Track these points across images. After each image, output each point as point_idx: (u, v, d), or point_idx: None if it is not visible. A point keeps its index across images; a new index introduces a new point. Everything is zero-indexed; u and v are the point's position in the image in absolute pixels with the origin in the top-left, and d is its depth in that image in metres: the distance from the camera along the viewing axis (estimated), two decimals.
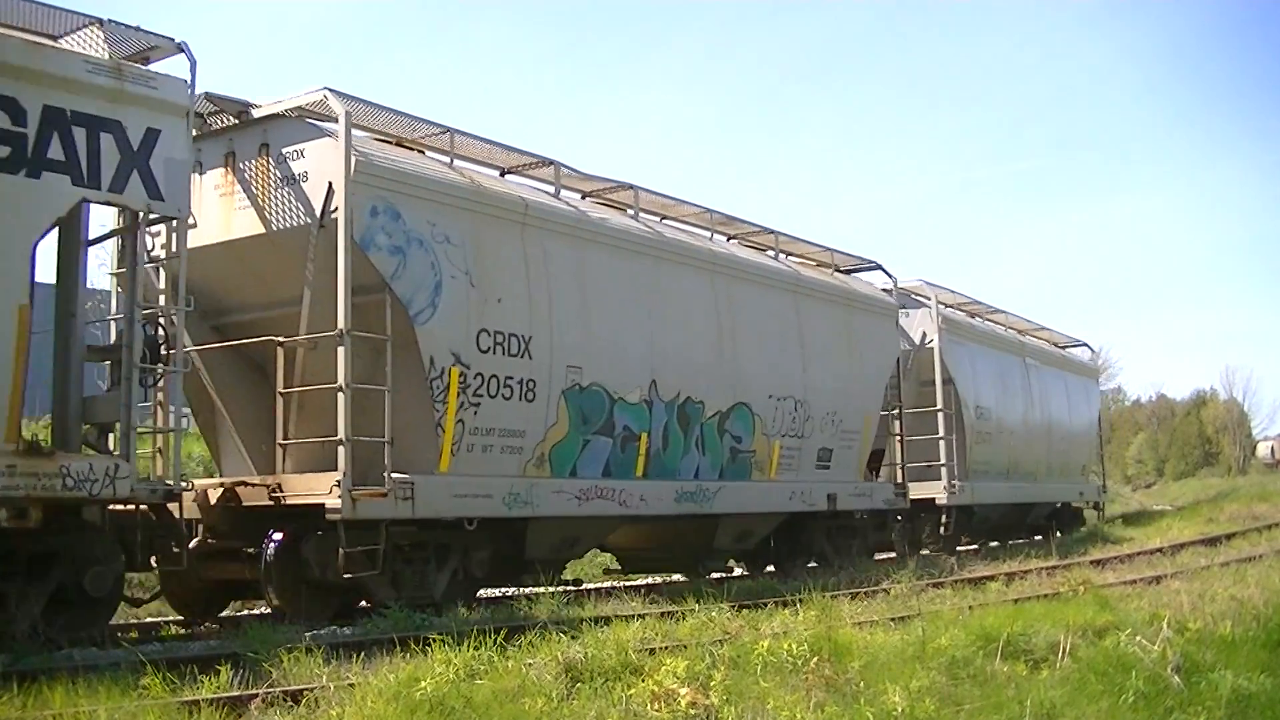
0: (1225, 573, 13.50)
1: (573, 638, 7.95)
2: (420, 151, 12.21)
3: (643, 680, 6.68)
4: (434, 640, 7.60)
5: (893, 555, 20.69)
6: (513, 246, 11.97)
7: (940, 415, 20.35)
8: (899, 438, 19.00)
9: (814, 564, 17.21)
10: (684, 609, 9.95)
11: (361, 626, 9.78)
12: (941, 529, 20.17)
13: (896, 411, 18.96)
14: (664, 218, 15.27)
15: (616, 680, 6.84)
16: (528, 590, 12.77)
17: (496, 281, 11.69)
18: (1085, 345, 30.25)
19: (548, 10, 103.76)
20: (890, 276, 19.30)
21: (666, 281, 13.94)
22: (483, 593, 13.13)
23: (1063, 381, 27.27)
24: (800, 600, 10.35)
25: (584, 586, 13.71)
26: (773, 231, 16.66)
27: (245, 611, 12.26)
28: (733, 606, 10.12)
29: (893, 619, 9.97)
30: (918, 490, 19.52)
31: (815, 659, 7.32)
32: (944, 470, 20.03)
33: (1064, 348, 29.08)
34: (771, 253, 16.76)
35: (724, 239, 16.28)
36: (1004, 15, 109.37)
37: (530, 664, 7.22)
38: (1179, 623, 9.01)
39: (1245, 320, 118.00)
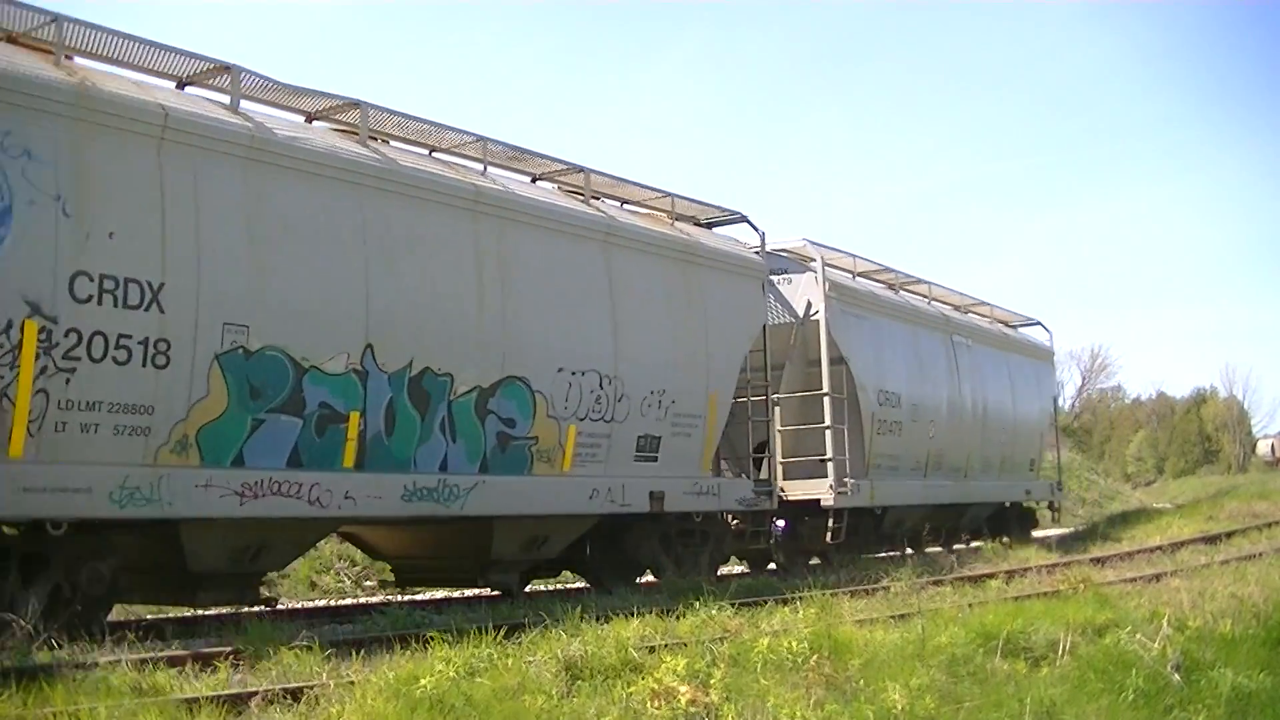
0: (1225, 570, 13.41)
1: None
2: (71, 58, 9.49)
3: (643, 678, 6.69)
4: (434, 638, 7.68)
5: (771, 567, 17.85)
6: (142, 167, 9.15)
7: (826, 400, 16.92)
8: (768, 425, 15.92)
9: (651, 578, 14.47)
10: (684, 607, 9.90)
11: (361, 624, 9.89)
12: (829, 535, 16.80)
13: (764, 396, 15.82)
14: (432, 150, 12.41)
15: (616, 678, 6.85)
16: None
17: (110, 211, 8.88)
18: (1039, 324, 26.58)
19: (547, 6, 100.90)
20: (757, 231, 16.13)
21: (399, 220, 10.99)
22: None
23: (1005, 364, 23.59)
24: (800, 598, 10.43)
25: (283, 606, 11.08)
26: (584, 169, 13.65)
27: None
28: (733, 604, 10.11)
29: (893, 617, 9.92)
30: (799, 489, 16.55)
31: (815, 657, 7.33)
32: (831, 466, 16.64)
33: (1014, 327, 25.54)
34: (603, 199, 13.91)
35: (527, 179, 13.48)
36: (1008, 10, 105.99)
37: (530, 661, 7.22)
38: (1179, 620, 8.97)
39: (1245, 317, 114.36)
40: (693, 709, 6.14)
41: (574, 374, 12.60)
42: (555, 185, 13.85)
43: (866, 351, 18.17)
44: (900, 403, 18.86)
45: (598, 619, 8.91)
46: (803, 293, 17.54)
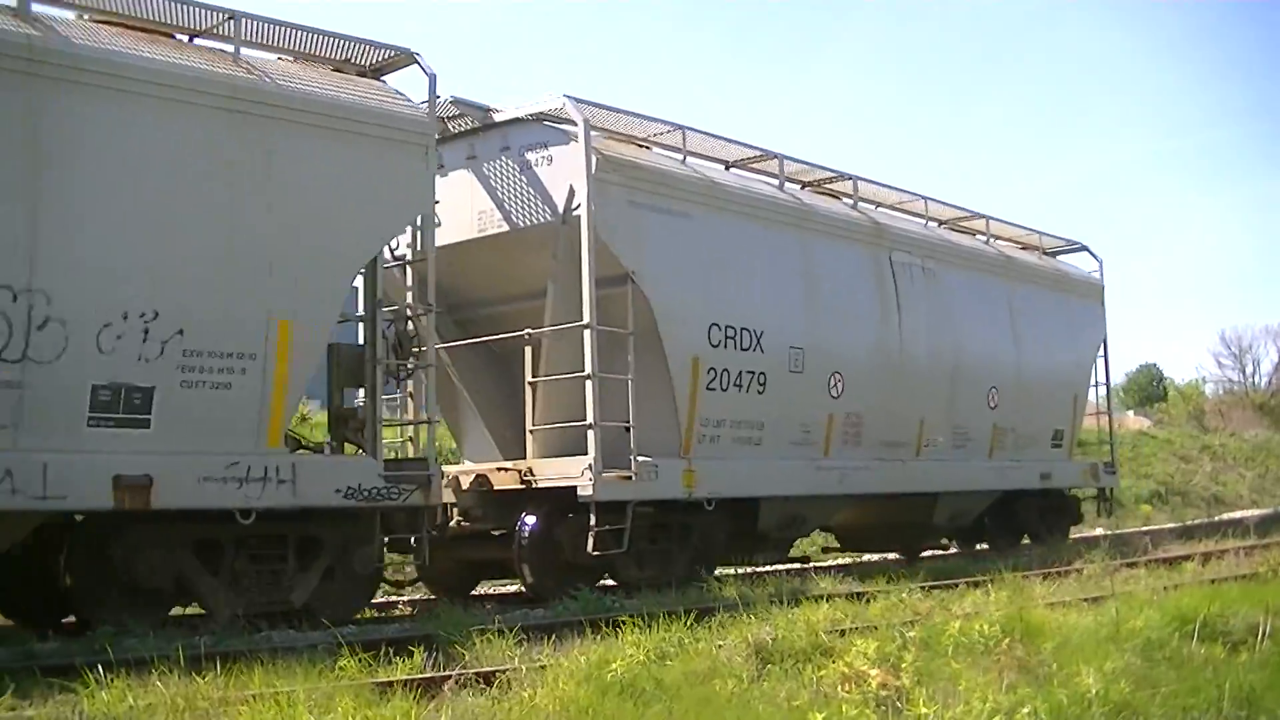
0: None
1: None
2: None
3: (833, 661, 6.66)
4: (624, 622, 7.82)
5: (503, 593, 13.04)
6: None
7: (586, 335, 11.12)
8: (425, 374, 10.88)
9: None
10: (874, 590, 10.05)
11: (552, 609, 10.02)
12: (591, 542, 10.86)
13: (415, 334, 10.74)
14: None
15: (807, 661, 6.88)
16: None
17: None
18: (1082, 248, 19.50)
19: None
20: (426, 72, 10.56)
21: None
22: None
23: (1004, 298, 16.89)
24: (991, 581, 10.44)
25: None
26: None
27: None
28: (923, 587, 10.16)
29: (1085, 599, 9.78)
30: (551, 471, 11.27)
31: (1007, 640, 7.25)
32: (592, 436, 10.98)
33: (1049, 253, 19.16)
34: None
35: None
36: None
37: (720, 645, 7.32)
38: None
39: None
40: (883, 692, 6.07)
41: None
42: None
43: (682, 265, 12.22)
44: (762, 344, 12.84)
45: (787, 603, 8.92)
46: (565, 176, 11.55)
